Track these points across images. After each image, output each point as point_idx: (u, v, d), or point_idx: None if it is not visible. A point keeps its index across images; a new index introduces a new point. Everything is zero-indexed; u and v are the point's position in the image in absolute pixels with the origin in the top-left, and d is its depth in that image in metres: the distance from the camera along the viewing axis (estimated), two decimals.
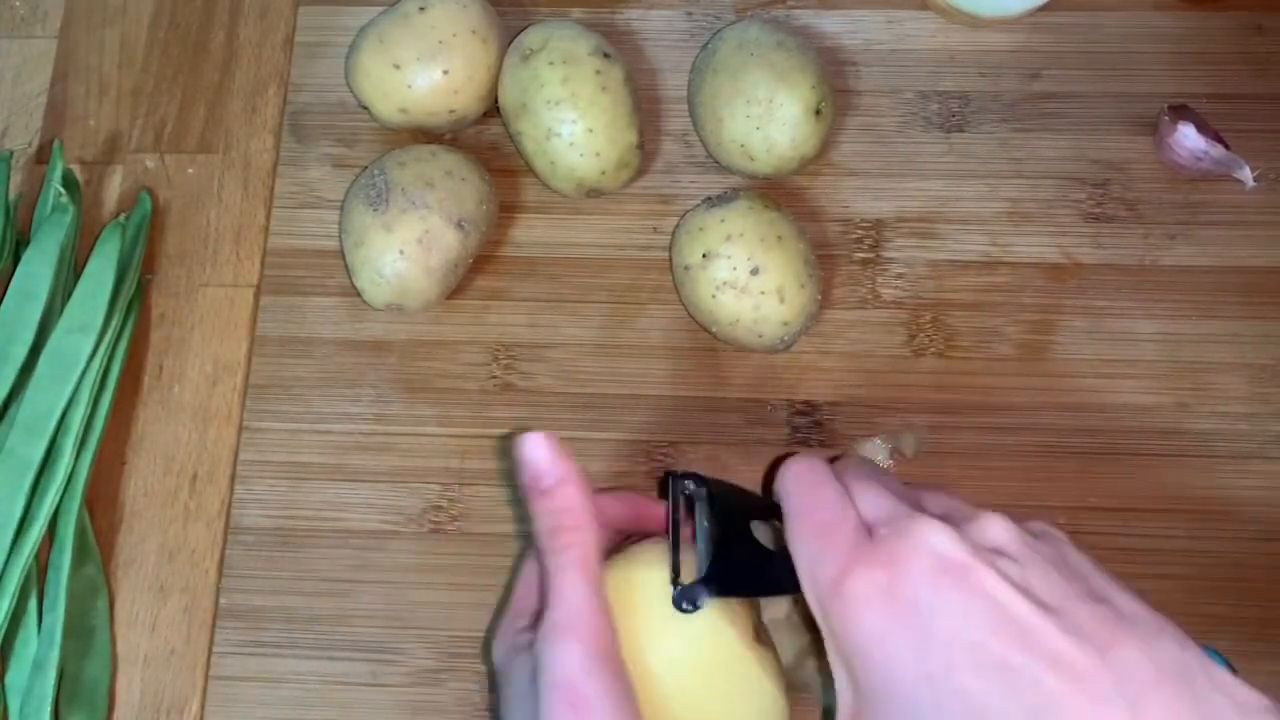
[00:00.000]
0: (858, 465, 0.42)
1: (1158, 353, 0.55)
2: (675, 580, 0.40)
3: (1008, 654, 0.33)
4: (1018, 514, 0.37)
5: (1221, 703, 0.32)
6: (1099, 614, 0.34)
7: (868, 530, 0.37)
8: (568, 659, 0.36)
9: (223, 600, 0.53)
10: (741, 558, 0.41)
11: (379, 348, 0.57)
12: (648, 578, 0.41)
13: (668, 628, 0.40)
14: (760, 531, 0.42)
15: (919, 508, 0.38)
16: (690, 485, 0.42)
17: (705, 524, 0.41)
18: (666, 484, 0.43)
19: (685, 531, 0.41)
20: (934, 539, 0.35)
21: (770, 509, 0.42)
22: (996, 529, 0.36)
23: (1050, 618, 0.33)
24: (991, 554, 0.35)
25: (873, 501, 0.38)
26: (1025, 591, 0.34)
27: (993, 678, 0.33)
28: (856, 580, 0.35)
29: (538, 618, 0.38)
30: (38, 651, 0.50)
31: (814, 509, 0.39)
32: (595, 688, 0.36)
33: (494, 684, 0.37)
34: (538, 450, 0.40)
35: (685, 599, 0.39)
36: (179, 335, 0.57)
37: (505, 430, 0.55)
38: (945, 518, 0.36)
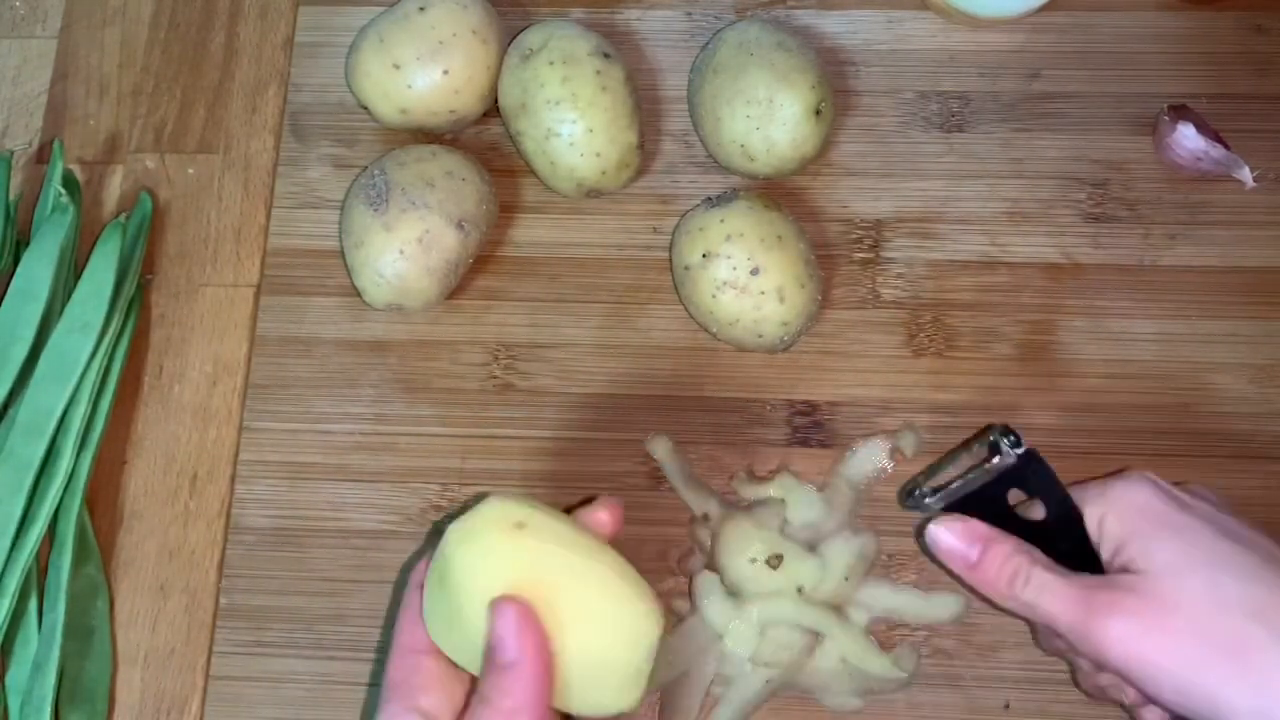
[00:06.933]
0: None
1: (1158, 353, 0.55)
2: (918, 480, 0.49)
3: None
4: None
5: None
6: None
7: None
8: None
9: (223, 600, 0.53)
10: (988, 498, 0.46)
11: (379, 348, 0.57)
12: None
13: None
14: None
15: None
16: (1006, 442, 0.45)
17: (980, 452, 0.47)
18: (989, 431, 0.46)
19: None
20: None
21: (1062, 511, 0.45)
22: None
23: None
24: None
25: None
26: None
27: None
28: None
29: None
30: (38, 651, 0.50)
31: None
32: None
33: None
34: (507, 625, 0.38)
35: (910, 498, 0.47)
36: (179, 335, 0.57)
37: (505, 430, 0.55)
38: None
